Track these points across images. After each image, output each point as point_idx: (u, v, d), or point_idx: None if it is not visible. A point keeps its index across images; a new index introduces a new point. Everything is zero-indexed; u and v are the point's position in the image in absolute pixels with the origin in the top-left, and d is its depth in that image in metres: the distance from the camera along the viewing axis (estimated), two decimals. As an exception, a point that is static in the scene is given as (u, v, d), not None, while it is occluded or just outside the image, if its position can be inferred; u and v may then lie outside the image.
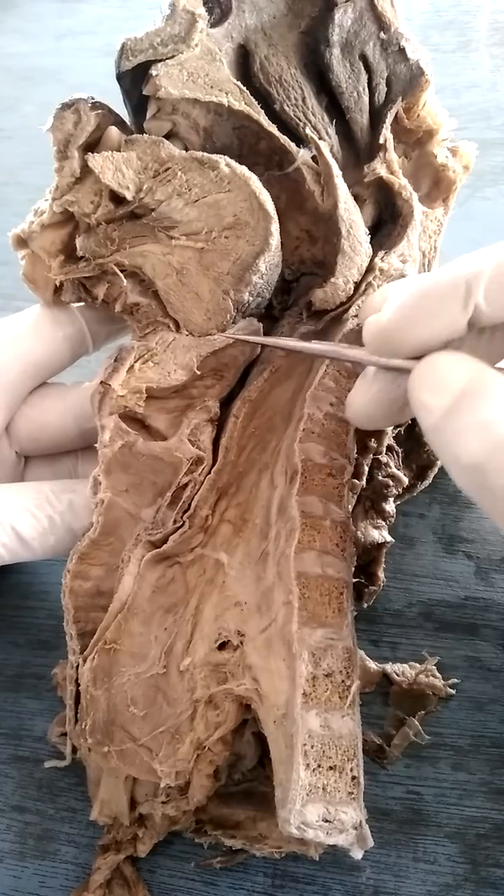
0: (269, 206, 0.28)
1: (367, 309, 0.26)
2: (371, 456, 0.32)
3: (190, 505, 0.28)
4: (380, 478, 0.33)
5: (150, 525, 0.29)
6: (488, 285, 0.22)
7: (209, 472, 0.29)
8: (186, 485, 0.28)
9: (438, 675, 0.32)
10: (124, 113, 0.29)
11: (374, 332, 0.24)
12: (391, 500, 0.33)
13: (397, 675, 0.32)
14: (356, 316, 0.29)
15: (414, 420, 0.36)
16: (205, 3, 0.28)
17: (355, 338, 0.29)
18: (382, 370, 0.25)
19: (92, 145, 0.28)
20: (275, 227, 0.28)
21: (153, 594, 0.28)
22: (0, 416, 0.31)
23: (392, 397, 0.25)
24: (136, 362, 0.29)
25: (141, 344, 0.29)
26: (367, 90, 0.30)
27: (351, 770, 0.24)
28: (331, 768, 0.24)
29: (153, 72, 0.27)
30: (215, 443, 0.29)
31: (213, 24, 0.28)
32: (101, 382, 0.29)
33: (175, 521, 0.28)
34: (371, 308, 0.26)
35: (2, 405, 0.31)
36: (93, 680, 0.28)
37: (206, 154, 0.28)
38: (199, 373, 0.29)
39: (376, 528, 0.32)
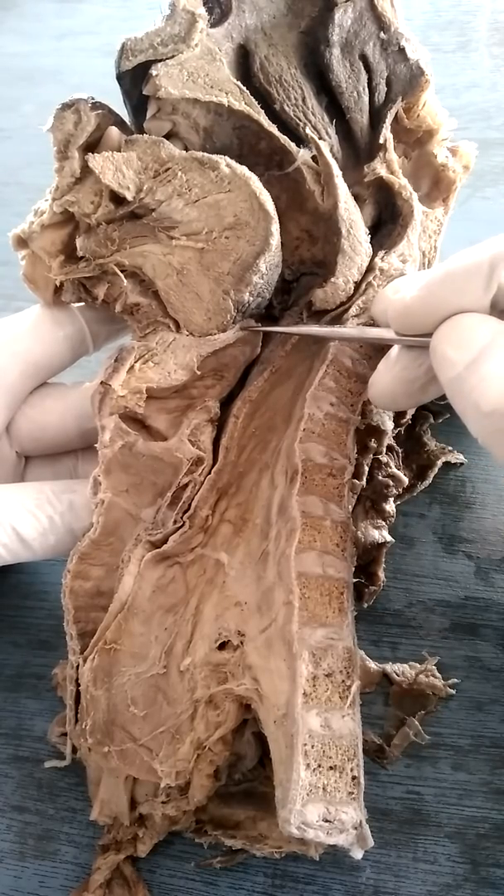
0: (270, 206, 0.28)
1: (379, 301, 0.27)
2: (371, 456, 0.32)
3: (190, 505, 0.28)
4: (380, 478, 0.33)
5: (151, 525, 0.29)
6: None
7: (209, 473, 0.29)
8: (186, 485, 0.28)
9: (438, 675, 0.32)
10: (124, 113, 0.29)
11: (399, 310, 0.25)
12: (391, 500, 0.33)
13: (397, 675, 0.32)
14: (357, 316, 0.29)
15: (414, 419, 0.36)
16: (205, 3, 0.28)
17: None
18: (405, 349, 0.26)
19: (92, 145, 0.28)
20: (275, 227, 0.28)
21: (153, 594, 0.28)
22: (0, 416, 0.31)
23: (414, 375, 0.26)
24: (136, 362, 0.29)
25: (141, 344, 0.29)
26: (367, 90, 0.30)
27: (351, 770, 0.24)
28: (331, 768, 0.24)
29: (153, 72, 0.27)
30: (215, 443, 0.29)
31: (213, 24, 0.28)
32: (102, 383, 0.29)
33: (175, 522, 0.28)
34: (384, 300, 0.27)
35: (2, 405, 0.31)
36: (93, 680, 0.28)
37: (206, 154, 0.28)
38: (199, 373, 0.29)
39: (376, 528, 0.33)
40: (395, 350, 0.26)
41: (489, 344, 0.23)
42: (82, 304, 0.31)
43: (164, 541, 0.28)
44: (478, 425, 0.23)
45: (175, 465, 0.28)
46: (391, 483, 0.33)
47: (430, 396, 0.27)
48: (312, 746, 0.24)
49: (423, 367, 0.25)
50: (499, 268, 0.22)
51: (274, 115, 0.29)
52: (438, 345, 0.24)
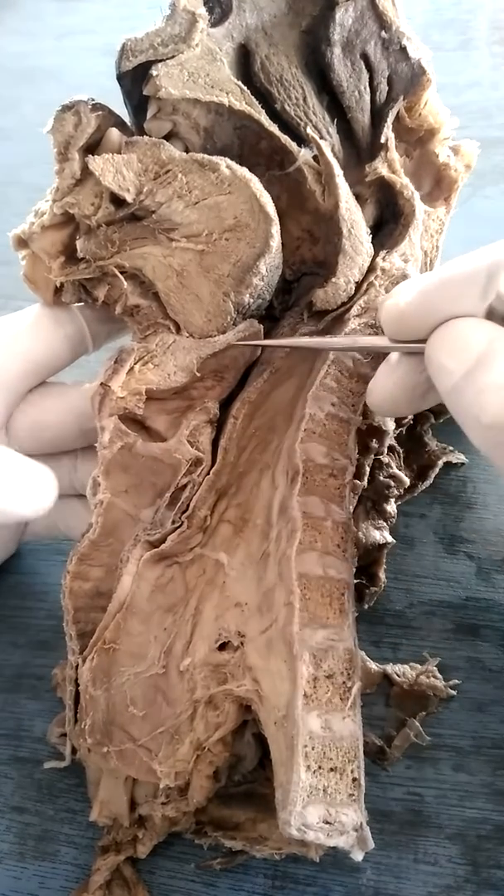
0: (270, 208, 0.28)
1: (380, 308, 0.26)
2: (372, 456, 0.32)
3: (188, 505, 0.28)
4: (381, 478, 0.33)
5: (149, 525, 0.29)
6: None
7: (208, 473, 0.29)
8: (185, 485, 0.28)
9: (439, 675, 0.32)
10: (124, 113, 0.29)
11: (393, 316, 0.25)
12: (392, 500, 0.33)
13: (398, 675, 0.32)
14: (359, 315, 0.29)
15: (415, 420, 0.36)
16: (205, 3, 0.28)
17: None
18: (405, 355, 0.25)
19: (92, 147, 0.28)
20: (275, 229, 0.28)
21: (152, 594, 0.28)
22: None
23: (415, 382, 0.25)
24: (136, 364, 0.29)
25: (141, 345, 0.29)
26: (368, 89, 0.30)
27: (352, 772, 0.24)
28: (331, 770, 0.24)
29: (153, 72, 0.27)
30: (215, 444, 0.29)
31: (214, 24, 0.28)
32: (101, 384, 0.28)
33: (173, 522, 0.28)
34: (381, 307, 0.26)
35: (1, 404, 0.31)
36: (92, 680, 0.28)
37: (206, 156, 0.28)
38: (199, 374, 0.29)
39: (377, 528, 0.32)
40: (394, 355, 0.26)
41: (486, 351, 0.22)
42: (82, 303, 0.31)
43: (163, 541, 0.28)
44: (479, 437, 0.23)
45: (174, 466, 0.28)
46: (392, 483, 0.33)
47: (430, 403, 0.26)
48: (313, 748, 0.24)
49: (424, 373, 0.25)
50: (497, 276, 0.22)
51: (275, 115, 0.29)
52: (433, 352, 0.23)
